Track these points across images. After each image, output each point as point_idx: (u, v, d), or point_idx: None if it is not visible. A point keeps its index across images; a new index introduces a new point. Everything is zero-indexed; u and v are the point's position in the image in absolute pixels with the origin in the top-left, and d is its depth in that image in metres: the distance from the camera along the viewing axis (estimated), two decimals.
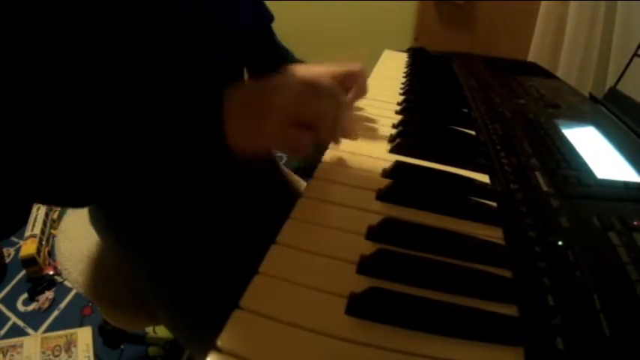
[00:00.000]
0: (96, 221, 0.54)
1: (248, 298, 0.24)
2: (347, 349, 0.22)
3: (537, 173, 0.39)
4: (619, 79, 0.66)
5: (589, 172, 0.39)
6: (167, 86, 0.39)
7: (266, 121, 0.29)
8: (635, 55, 0.67)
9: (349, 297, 0.24)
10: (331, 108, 0.30)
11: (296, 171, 0.72)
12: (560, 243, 0.30)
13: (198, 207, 0.45)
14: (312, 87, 0.30)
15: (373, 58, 0.78)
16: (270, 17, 0.59)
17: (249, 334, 0.22)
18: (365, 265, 0.27)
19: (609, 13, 1.05)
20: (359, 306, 0.24)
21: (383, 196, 0.34)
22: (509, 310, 0.25)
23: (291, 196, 0.34)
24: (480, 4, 1.54)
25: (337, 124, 0.32)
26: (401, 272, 0.26)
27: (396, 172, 0.37)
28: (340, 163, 0.39)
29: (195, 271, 0.44)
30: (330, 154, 0.40)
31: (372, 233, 0.29)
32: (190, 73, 0.42)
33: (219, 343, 0.22)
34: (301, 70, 0.32)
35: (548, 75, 0.76)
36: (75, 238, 0.62)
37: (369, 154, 0.41)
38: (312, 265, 0.27)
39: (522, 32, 1.35)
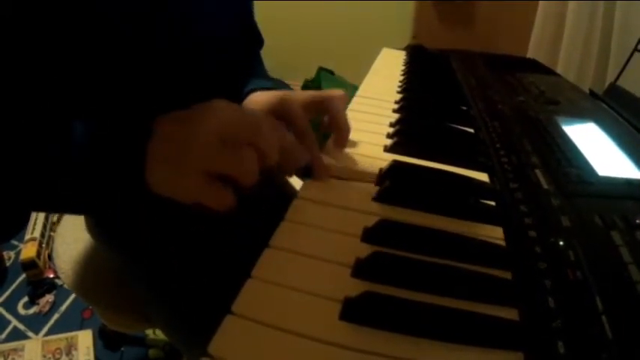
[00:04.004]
0: (90, 226, 0.54)
1: (240, 303, 0.23)
2: (341, 355, 0.21)
3: (537, 171, 0.38)
4: (619, 75, 0.65)
5: (590, 170, 0.38)
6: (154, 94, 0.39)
7: (183, 174, 0.27)
8: (635, 50, 0.66)
9: (344, 301, 0.24)
10: (251, 161, 0.27)
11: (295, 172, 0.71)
12: (561, 243, 0.29)
13: (192, 210, 0.44)
14: (234, 133, 0.27)
15: (371, 57, 0.78)
16: (260, 41, 0.58)
17: (241, 339, 0.22)
18: (360, 268, 0.26)
19: (609, 8, 1.04)
20: (354, 311, 0.23)
21: (380, 196, 0.33)
22: (509, 314, 0.24)
23: (288, 198, 0.33)
24: (479, 3, 1.54)
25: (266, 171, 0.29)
26: (397, 275, 0.25)
27: (392, 172, 0.36)
28: (336, 163, 0.38)
29: (190, 275, 0.43)
30: (325, 153, 0.39)
31: (368, 235, 0.29)
32: (190, 73, 0.41)
33: (210, 349, 0.21)
34: (228, 108, 0.28)
35: (548, 71, 0.75)
36: (72, 242, 0.62)
37: (365, 153, 0.40)
38: (306, 269, 0.26)
39: (521, 30, 1.34)
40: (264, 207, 0.32)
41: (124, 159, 0.27)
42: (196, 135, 0.27)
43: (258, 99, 0.45)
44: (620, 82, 0.63)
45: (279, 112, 0.39)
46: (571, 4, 1.12)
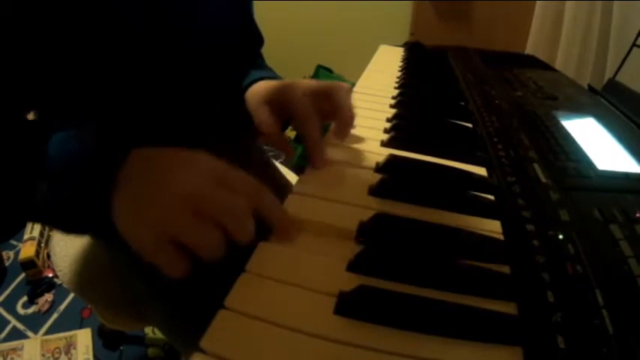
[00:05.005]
0: None
1: (233, 297, 0.23)
2: (336, 350, 0.21)
3: (535, 165, 0.38)
4: (618, 70, 0.64)
5: (589, 164, 0.38)
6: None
7: (140, 226, 0.25)
8: (634, 45, 0.66)
9: (338, 296, 0.23)
10: (214, 240, 0.24)
11: (296, 169, 0.71)
12: (560, 236, 0.29)
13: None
14: (203, 205, 0.24)
15: (370, 55, 0.77)
16: (260, 40, 0.57)
17: (234, 334, 0.21)
18: (355, 262, 0.26)
19: (606, 6, 1.03)
20: (348, 305, 0.23)
21: (376, 190, 0.33)
22: (507, 308, 0.24)
23: (284, 192, 0.33)
24: (477, 2, 1.53)
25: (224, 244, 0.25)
26: (393, 269, 0.25)
27: (389, 165, 0.36)
28: (332, 157, 0.38)
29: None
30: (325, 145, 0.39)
31: (363, 229, 0.28)
32: (190, 73, 0.41)
33: (202, 344, 0.21)
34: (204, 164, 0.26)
35: (546, 67, 0.75)
36: (70, 240, 0.62)
37: (361, 148, 0.40)
38: (300, 263, 0.26)
39: (520, 27, 1.34)
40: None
41: (92, 185, 0.26)
42: (165, 192, 0.24)
43: (261, 88, 0.44)
44: (618, 78, 0.63)
45: (282, 98, 0.38)
46: (568, 4, 1.12)
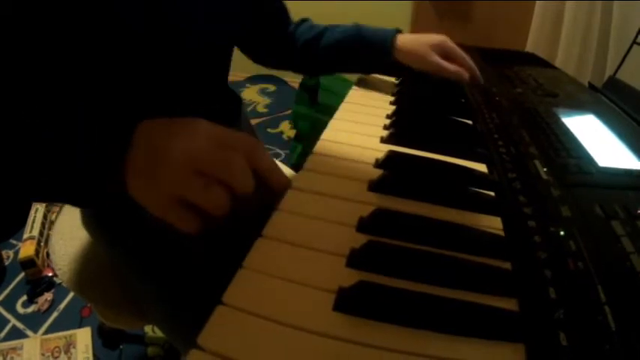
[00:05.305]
0: (87, 221, 0.53)
1: (231, 293, 0.23)
2: (335, 347, 0.21)
3: (536, 162, 0.37)
4: (618, 68, 0.64)
5: (590, 160, 0.37)
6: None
7: (152, 191, 0.27)
8: (634, 43, 0.65)
9: (337, 292, 0.23)
10: (219, 197, 0.26)
11: (296, 167, 0.71)
12: (561, 233, 0.29)
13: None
14: (204, 166, 0.26)
15: None
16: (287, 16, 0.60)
17: (232, 331, 0.21)
18: (354, 258, 0.25)
19: (607, 4, 1.03)
20: (348, 301, 0.22)
21: (375, 186, 0.33)
22: (509, 304, 0.24)
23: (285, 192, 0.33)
24: (476, 2, 1.53)
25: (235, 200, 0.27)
26: (393, 265, 0.25)
27: (388, 161, 0.36)
28: (331, 154, 0.38)
29: (184, 267, 0.43)
30: (320, 144, 0.39)
31: (363, 225, 0.28)
32: (190, 71, 0.41)
33: (200, 340, 0.20)
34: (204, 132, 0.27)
35: (546, 65, 0.75)
36: (70, 239, 0.61)
37: (361, 144, 0.40)
38: (299, 259, 0.26)
39: (520, 27, 1.34)
40: (258, 197, 0.32)
41: (105, 159, 0.27)
42: (169, 158, 0.26)
43: (413, 38, 0.53)
44: (619, 75, 0.62)
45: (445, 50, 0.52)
46: (568, 4, 1.11)
